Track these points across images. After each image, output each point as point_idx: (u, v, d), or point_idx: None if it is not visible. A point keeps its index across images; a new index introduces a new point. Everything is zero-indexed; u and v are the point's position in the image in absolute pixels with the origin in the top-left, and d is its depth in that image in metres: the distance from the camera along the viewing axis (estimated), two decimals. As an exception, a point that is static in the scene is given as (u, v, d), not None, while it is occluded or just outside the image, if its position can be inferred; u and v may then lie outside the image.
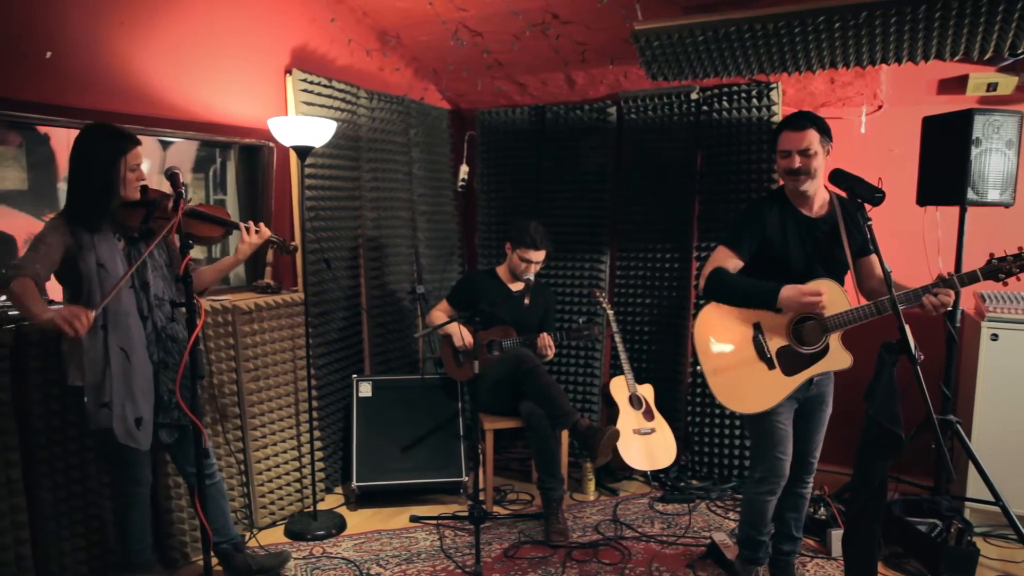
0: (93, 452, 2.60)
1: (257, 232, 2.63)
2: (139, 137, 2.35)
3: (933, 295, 2.16)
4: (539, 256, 3.52)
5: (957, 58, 2.97)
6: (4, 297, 2.49)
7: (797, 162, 2.32)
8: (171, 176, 2.19)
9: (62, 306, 2.15)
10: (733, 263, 2.41)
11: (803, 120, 2.32)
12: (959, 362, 3.33)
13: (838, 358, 2.33)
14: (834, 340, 2.33)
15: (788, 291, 2.30)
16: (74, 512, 2.58)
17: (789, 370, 2.38)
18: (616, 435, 3.28)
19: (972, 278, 2.16)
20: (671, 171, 3.97)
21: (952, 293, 2.15)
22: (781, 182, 2.48)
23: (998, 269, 2.13)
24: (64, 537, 2.55)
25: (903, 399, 2.11)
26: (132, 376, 2.29)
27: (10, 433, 2.36)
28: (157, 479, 2.74)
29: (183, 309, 2.11)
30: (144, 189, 2.36)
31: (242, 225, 2.61)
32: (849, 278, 2.43)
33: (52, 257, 2.21)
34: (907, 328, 2.05)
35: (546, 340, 3.46)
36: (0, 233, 2.64)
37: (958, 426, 3.03)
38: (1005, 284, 2.15)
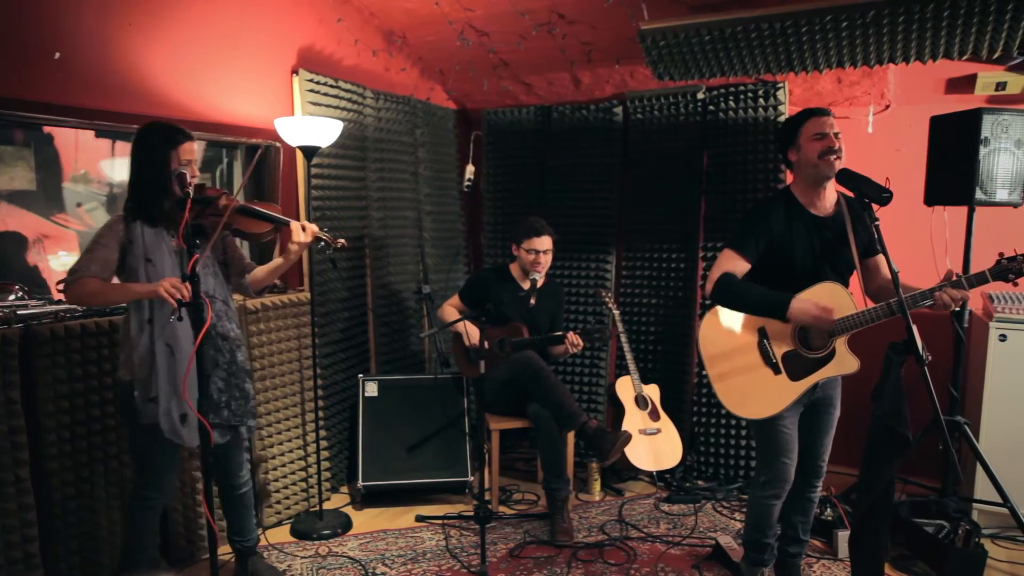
0: (129, 448, 2.58)
1: (305, 231, 2.47)
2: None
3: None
4: (545, 243, 3.46)
5: (966, 57, 2.95)
6: (12, 298, 2.50)
7: (836, 142, 2.31)
8: (178, 177, 2.19)
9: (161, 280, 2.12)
10: (740, 266, 2.39)
11: (824, 109, 2.37)
12: (967, 363, 3.31)
13: (844, 362, 2.31)
14: (840, 344, 2.32)
15: (799, 305, 2.26)
16: (82, 510, 2.59)
17: (795, 375, 2.37)
18: (628, 439, 3.24)
19: (981, 279, 2.13)
20: (677, 171, 3.96)
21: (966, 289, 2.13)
22: (789, 180, 2.46)
23: (1007, 269, 2.10)
24: (72, 536, 2.56)
25: (910, 400, 2.10)
26: (177, 372, 2.27)
27: (19, 432, 2.37)
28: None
29: (197, 307, 2.07)
30: (201, 187, 2.32)
31: (293, 223, 2.44)
32: (854, 278, 2.42)
33: (109, 256, 2.25)
34: (915, 328, 2.03)
35: (572, 339, 3.35)
36: (12, 233, 2.66)
37: (966, 427, 3.02)
38: (1015, 284, 2.13)
